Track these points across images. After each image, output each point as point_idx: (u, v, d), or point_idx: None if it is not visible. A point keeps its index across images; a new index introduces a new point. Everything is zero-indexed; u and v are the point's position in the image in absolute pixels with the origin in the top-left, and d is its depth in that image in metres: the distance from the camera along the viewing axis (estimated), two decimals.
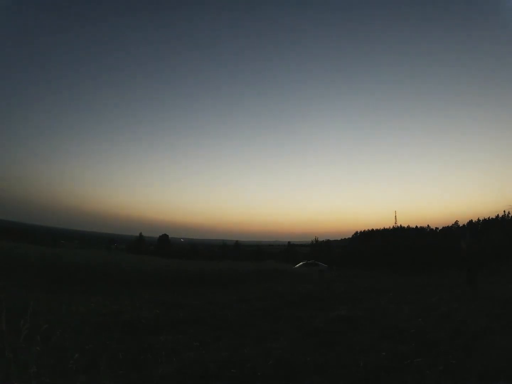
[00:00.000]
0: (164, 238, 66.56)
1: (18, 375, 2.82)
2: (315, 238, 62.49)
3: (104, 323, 5.75)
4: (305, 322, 6.48)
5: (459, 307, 7.59)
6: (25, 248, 24.80)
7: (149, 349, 4.43)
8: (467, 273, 11.85)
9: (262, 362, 3.95)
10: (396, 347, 4.52)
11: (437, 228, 50.36)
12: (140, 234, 66.52)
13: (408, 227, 50.14)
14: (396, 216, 49.10)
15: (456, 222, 47.66)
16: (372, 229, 57.18)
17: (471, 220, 46.70)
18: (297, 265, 31.63)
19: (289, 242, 68.22)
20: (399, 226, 49.24)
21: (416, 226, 50.81)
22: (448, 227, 48.76)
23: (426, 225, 51.15)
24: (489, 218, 42.90)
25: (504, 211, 40.10)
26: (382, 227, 54.40)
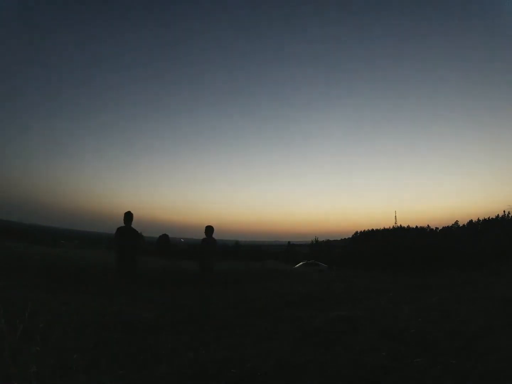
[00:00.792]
0: (164, 238, 66.50)
1: (18, 375, 2.82)
2: (315, 238, 62.49)
3: (104, 323, 5.75)
4: (305, 322, 6.48)
5: (459, 307, 7.59)
6: (25, 248, 24.79)
7: (149, 349, 4.43)
8: None
9: (262, 362, 3.95)
10: (396, 347, 4.52)
11: (437, 228, 50.33)
12: (140, 234, 66.61)
13: (408, 227, 50.11)
14: (396, 216, 49.06)
15: (456, 222, 47.69)
16: (372, 229, 57.20)
17: (471, 220, 46.68)
18: (297, 265, 31.66)
19: (289, 242, 68.21)
20: (399, 226, 49.21)
21: (416, 226, 50.81)
22: (448, 227, 48.76)
23: (426, 225, 51.11)
24: (489, 218, 42.88)
25: (504, 211, 40.11)
26: (382, 227, 54.38)
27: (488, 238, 31.88)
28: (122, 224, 9.21)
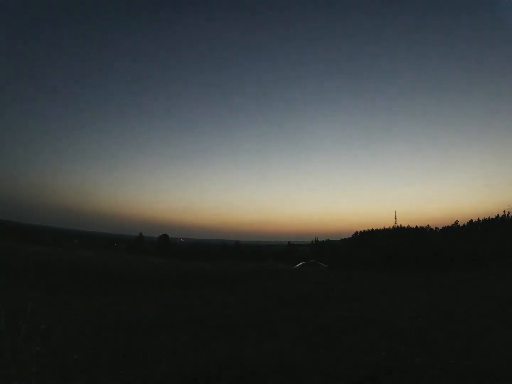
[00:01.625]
0: (164, 238, 66.50)
1: (18, 375, 2.82)
2: (315, 238, 62.54)
3: (104, 323, 5.76)
4: (305, 322, 6.48)
5: (459, 307, 7.60)
6: (25, 248, 24.79)
7: (149, 349, 4.43)
8: None
9: (262, 362, 3.95)
10: (396, 347, 4.52)
11: (437, 228, 50.31)
12: (140, 234, 66.49)
13: (408, 227, 50.12)
14: (396, 216, 49.23)
15: (456, 222, 47.64)
16: (372, 229, 57.15)
17: (471, 220, 46.67)
18: (297, 265, 31.65)
19: (289, 242, 68.15)
20: (399, 226, 49.36)
21: (416, 226, 50.78)
22: (448, 227, 48.74)
23: (426, 225, 51.12)
24: (489, 218, 42.90)
25: (504, 211, 40.16)
26: (382, 227, 54.39)
27: (488, 238, 31.92)
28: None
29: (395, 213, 49.36)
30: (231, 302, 9.22)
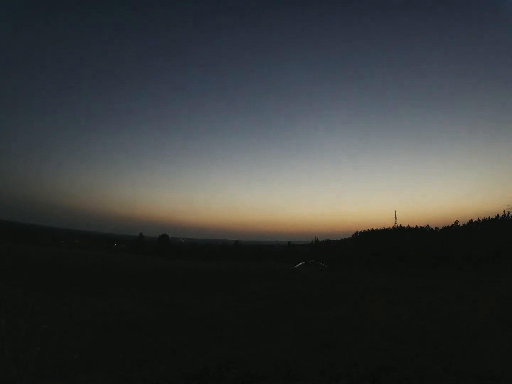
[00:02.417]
0: (164, 238, 66.46)
1: (18, 375, 2.82)
2: (315, 238, 62.49)
3: (104, 323, 5.75)
4: (305, 322, 6.48)
5: (459, 307, 7.60)
6: (25, 248, 24.78)
7: (149, 349, 4.43)
8: None
9: (262, 362, 3.95)
10: (396, 347, 4.52)
11: (437, 228, 50.20)
12: (140, 234, 66.47)
13: (408, 227, 50.02)
14: (396, 216, 49.19)
15: (456, 222, 47.53)
16: (372, 229, 56.95)
17: (471, 220, 46.57)
18: (297, 265, 31.65)
19: (289, 242, 68.06)
20: (399, 226, 49.25)
21: (416, 226, 50.65)
22: (448, 227, 48.64)
23: (426, 225, 51.01)
24: (489, 218, 42.83)
25: (504, 211, 40.11)
26: (382, 227, 54.28)
27: (488, 238, 31.89)
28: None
29: (395, 213, 49.37)
30: (231, 302, 9.21)
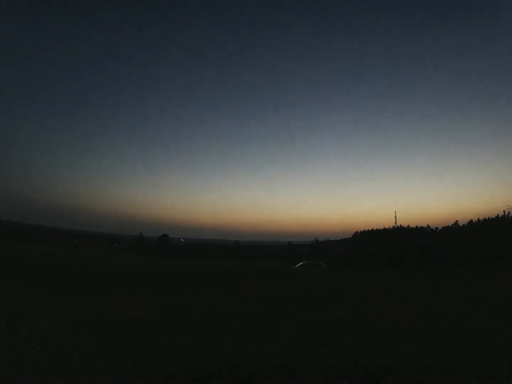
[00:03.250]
0: (164, 238, 66.49)
1: (18, 375, 2.82)
2: (315, 238, 62.59)
3: (104, 323, 5.76)
4: (305, 322, 6.48)
5: (459, 307, 7.60)
6: (25, 248, 24.79)
7: (149, 349, 4.43)
8: None
9: (262, 362, 3.95)
10: (396, 347, 4.52)
11: (437, 228, 50.18)
12: (140, 234, 66.51)
13: (408, 227, 50.02)
14: (396, 216, 49.21)
15: (456, 222, 47.51)
16: (372, 229, 56.89)
17: (471, 220, 46.54)
18: (297, 265, 31.69)
19: (289, 242, 68.14)
20: (399, 226, 49.26)
21: (416, 226, 50.64)
22: (448, 227, 48.61)
23: (426, 225, 51.01)
24: (489, 218, 42.80)
25: (504, 211, 40.09)
26: (382, 227, 54.27)
27: (488, 238, 31.89)
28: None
29: (395, 213, 49.39)
30: (231, 302, 9.22)
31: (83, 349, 3.91)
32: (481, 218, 43.50)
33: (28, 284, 9.87)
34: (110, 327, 5.42)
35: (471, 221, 44.89)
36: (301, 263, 32.41)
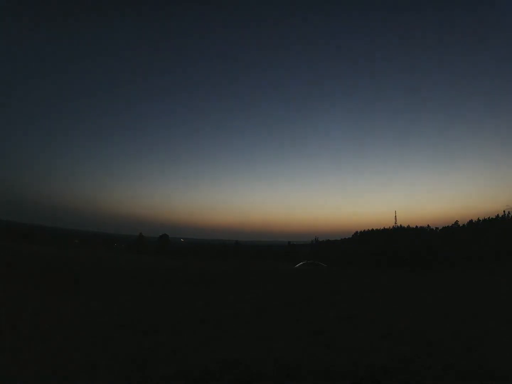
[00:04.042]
0: (164, 238, 66.50)
1: (18, 375, 2.83)
2: (315, 238, 62.71)
3: (104, 323, 5.76)
4: (305, 322, 6.48)
5: (459, 307, 7.60)
6: (25, 248, 24.80)
7: (149, 349, 4.43)
8: None
9: (262, 362, 3.95)
10: (396, 347, 4.52)
11: (437, 228, 50.23)
12: (140, 234, 66.50)
13: (408, 227, 50.09)
14: (396, 216, 49.28)
15: (456, 222, 47.56)
16: (372, 229, 56.98)
17: (471, 220, 46.58)
18: (297, 265, 31.71)
19: (289, 242, 68.15)
20: (399, 226, 49.33)
21: (416, 226, 50.70)
22: (448, 227, 48.64)
23: (426, 225, 51.07)
24: (489, 218, 42.84)
25: (504, 211, 40.14)
26: (382, 227, 54.34)
27: (488, 238, 31.91)
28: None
29: (395, 213, 49.46)
30: (231, 302, 9.22)
31: (83, 349, 3.92)
32: (481, 218, 43.57)
33: (28, 284, 9.87)
34: (110, 327, 5.42)
35: (471, 221, 44.95)
36: (301, 263, 32.43)
